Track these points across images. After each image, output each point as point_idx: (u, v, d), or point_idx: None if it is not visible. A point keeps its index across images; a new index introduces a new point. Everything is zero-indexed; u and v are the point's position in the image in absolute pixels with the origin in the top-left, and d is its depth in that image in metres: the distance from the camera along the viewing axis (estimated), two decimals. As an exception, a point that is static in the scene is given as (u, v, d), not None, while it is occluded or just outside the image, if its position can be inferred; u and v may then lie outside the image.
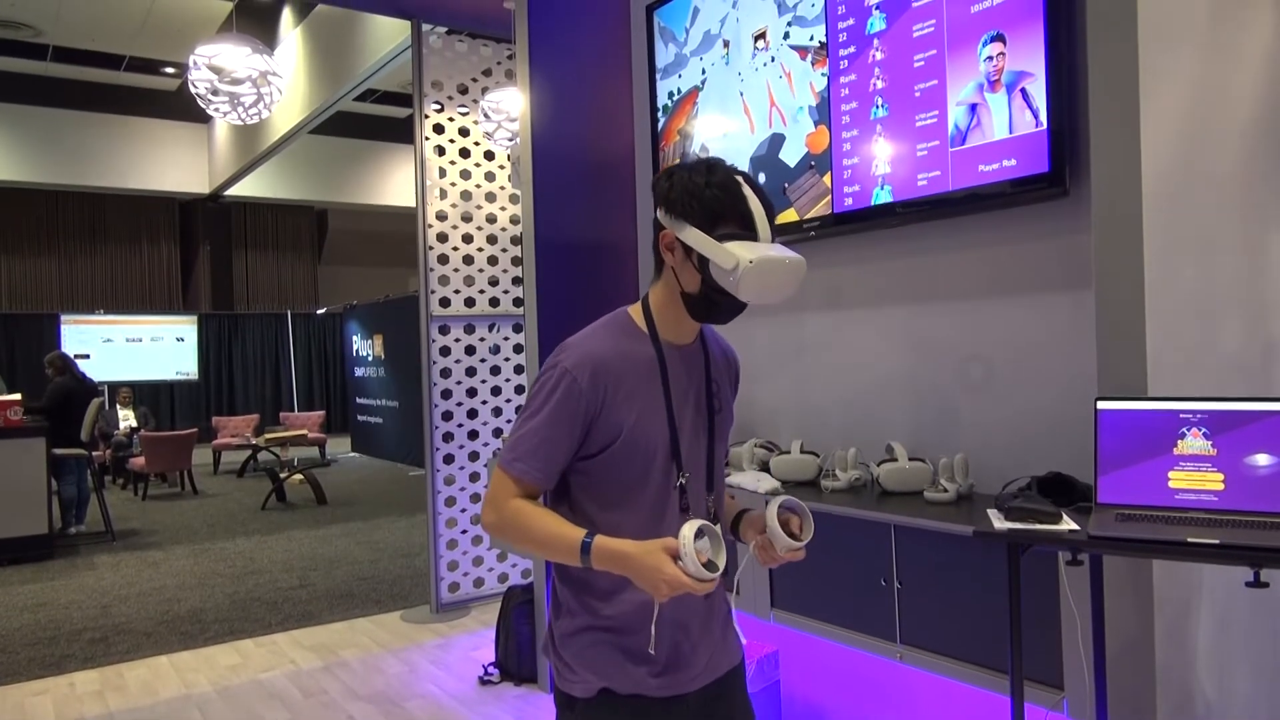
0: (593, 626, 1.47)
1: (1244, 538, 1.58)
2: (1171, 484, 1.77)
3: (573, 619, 1.50)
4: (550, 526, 1.39)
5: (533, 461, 1.42)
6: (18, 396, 6.90)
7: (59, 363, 7.72)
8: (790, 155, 3.14)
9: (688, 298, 1.45)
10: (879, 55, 2.74)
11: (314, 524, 7.93)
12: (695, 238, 1.39)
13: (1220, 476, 1.73)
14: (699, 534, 1.28)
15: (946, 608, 2.30)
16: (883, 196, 2.75)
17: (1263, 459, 1.69)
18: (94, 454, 8.02)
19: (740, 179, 1.43)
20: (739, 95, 3.35)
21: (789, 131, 3.15)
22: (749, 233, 1.38)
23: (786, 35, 3.12)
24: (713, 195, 1.39)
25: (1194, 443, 1.76)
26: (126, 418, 11.05)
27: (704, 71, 3.47)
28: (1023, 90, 2.35)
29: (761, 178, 3.22)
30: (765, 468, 2.94)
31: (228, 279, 16.22)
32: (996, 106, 2.42)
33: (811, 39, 3.01)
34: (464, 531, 5.18)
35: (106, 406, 11.05)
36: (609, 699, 1.45)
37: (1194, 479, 1.75)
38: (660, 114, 3.64)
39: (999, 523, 1.83)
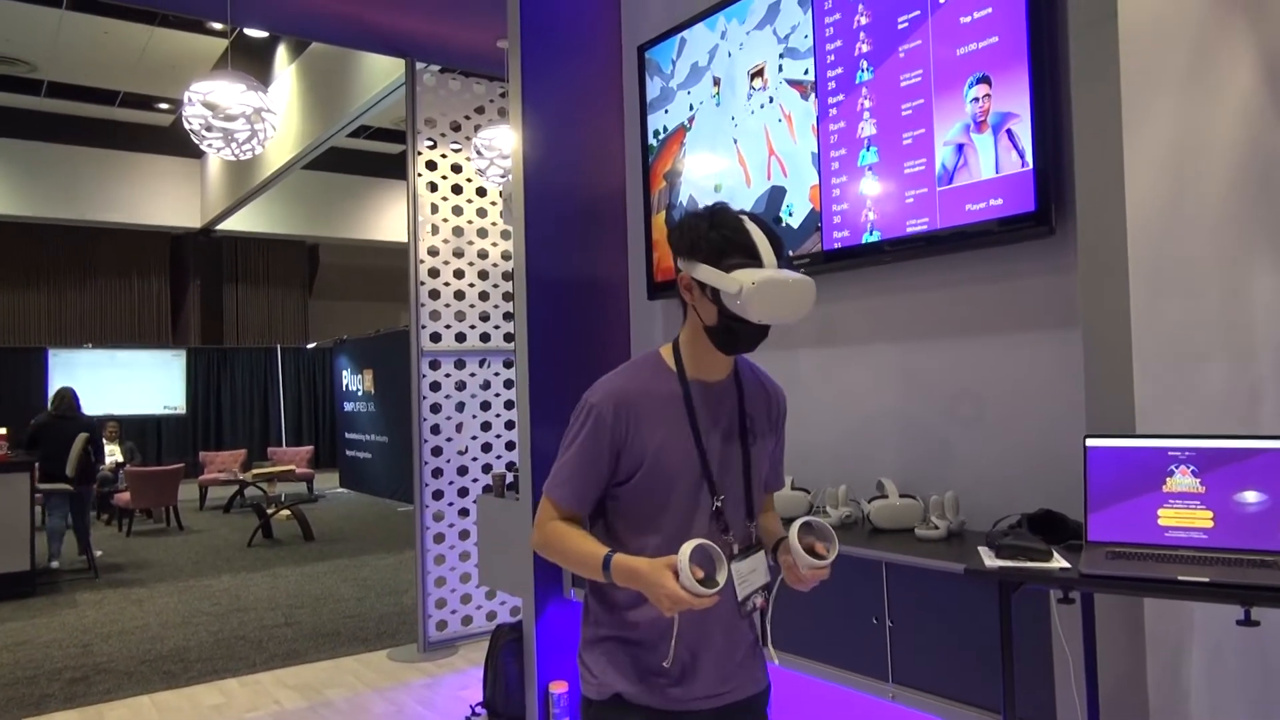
0: (612, 637, 1.62)
1: (1234, 576, 1.58)
2: (1161, 521, 1.77)
3: (597, 628, 1.65)
4: (580, 545, 1.55)
5: (566, 489, 1.59)
6: (2, 431, 6.84)
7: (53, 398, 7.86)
8: (793, 213, 3.00)
9: (709, 331, 1.56)
10: (867, 102, 2.77)
11: (301, 561, 7.84)
12: (705, 273, 1.51)
13: (1209, 514, 1.73)
14: (697, 551, 1.38)
15: (939, 646, 2.29)
16: (872, 235, 2.77)
17: (1251, 497, 1.70)
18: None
19: (744, 216, 1.55)
20: (732, 142, 3.24)
21: (790, 183, 3.01)
22: (754, 261, 1.50)
23: (780, 69, 3.04)
24: (717, 234, 1.52)
25: (1183, 480, 1.76)
26: (113, 453, 10.93)
27: (691, 108, 3.43)
28: (1008, 131, 2.39)
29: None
30: (756, 504, 2.93)
31: (218, 313, 16.19)
32: (983, 147, 2.45)
33: (806, 73, 2.94)
34: (452, 569, 5.13)
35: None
36: (619, 703, 1.59)
37: (1183, 516, 1.75)
38: (651, 154, 3.67)
39: (990, 560, 1.83)
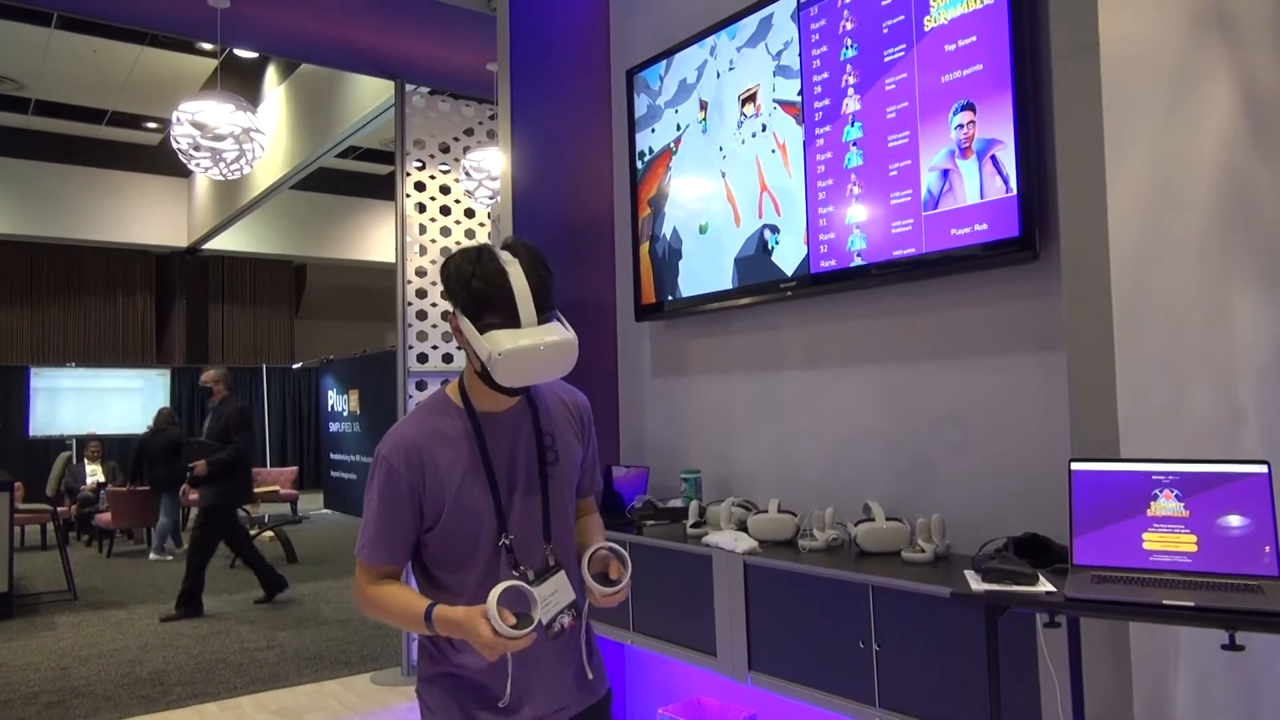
0: (447, 673, 1.62)
1: (1218, 600, 1.59)
2: (1146, 545, 1.78)
3: (433, 665, 1.64)
4: (401, 603, 1.54)
5: (375, 547, 1.57)
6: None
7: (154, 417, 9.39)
8: (787, 258, 2.91)
9: (479, 375, 1.56)
10: (853, 127, 2.79)
11: (283, 582, 7.75)
12: (465, 326, 1.50)
13: (1193, 538, 1.74)
14: (506, 594, 1.41)
15: (925, 670, 2.28)
16: (858, 259, 2.79)
17: (1234, 520, 1.71)
18: (59, 509, 7.85)
19: (509, 266, 1.48)
20: (720, 175, 3.16)
21: (784, 222, 2.92)
22: (511, 320, 1.47)
23: (774, 89, 2.98)
24: (477, 287, 1.47)
25: (1166, 504, 1.77)
26: (94, 472, 10.82)
27: (678, 128, 3.40)
28: (993, 157, 2.41)
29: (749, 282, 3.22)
30: (743, 527, 2.92)
31: (203, 332, 16.08)
32: (968, 172, 2.47)
33: (799, 93, 2.90)
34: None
35: (74, 460, 10.85)
36: None
37: (1168, 540, 1.76)
38: (638, 176, 3.68)
39: (976, 584, 1.83)
